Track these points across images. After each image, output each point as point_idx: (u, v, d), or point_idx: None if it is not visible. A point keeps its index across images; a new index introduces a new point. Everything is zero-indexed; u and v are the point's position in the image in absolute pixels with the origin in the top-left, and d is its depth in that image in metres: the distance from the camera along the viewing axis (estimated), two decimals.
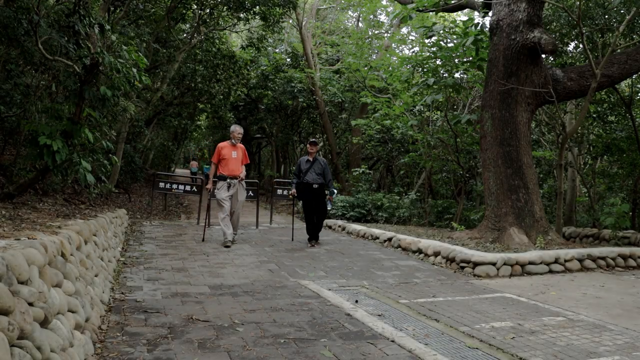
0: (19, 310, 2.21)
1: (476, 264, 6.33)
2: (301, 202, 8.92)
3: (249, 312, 4.24)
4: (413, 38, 19.01)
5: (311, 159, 8.32)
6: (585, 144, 12.40)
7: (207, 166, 35.54)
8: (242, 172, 8.14)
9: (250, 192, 11.93)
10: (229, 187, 7.95)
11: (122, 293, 4.69)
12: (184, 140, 31.29)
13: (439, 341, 3.72)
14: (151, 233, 9.18)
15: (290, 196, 8.41)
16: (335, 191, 8.51)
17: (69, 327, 2.83)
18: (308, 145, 8.50)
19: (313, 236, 8.43)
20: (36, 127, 5.33)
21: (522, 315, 4.46)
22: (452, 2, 10.08)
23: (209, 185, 8.32)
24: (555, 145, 11.97)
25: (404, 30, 20.37)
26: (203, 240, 8.17)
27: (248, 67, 18.81)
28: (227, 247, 7.71)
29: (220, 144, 8.17)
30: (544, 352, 3.49)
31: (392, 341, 3.56)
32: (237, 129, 8.20)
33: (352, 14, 23.59)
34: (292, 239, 8.81)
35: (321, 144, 21.01)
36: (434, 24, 10.77)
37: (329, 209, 8.43)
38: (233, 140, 8.11)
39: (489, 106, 8.15)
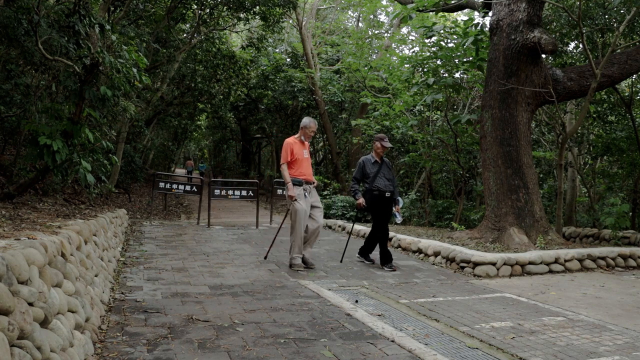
0: (19, 310, 2.21)
1: (476, 264, 6.33)
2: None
3: (249, 312, 4.24)
4: (413, 38, 19.02)
5: (379, 160, 6.78)
6: (585, 144, 12.40)
7: (202, 164, 35.50)
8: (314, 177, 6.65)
9: (250, 192, 11.95)
10: (305, 194, 6.32)
11: (122, 293, 4.69)
12: (184, 140, 31.30)
13: (439, 341, 3.72)
14: (151, 233, 9.18)
15: (360, 207, 6.61)
16: (402, 200, 6.97)
17: (69, 327, 2.83)
18: (377, 143, 6.74)
19: (365, 252, 6.97)
20: (36, 127, 5.33)
21: (522, 315, 4.46)
22: (452, 2, 10.08)
23: (293, 193, 6.19)
24: (555, 145, 11.98)
25: (404, 30, 20.39)
26: (266, 258, 6.76)
27: (248, 67, 18.83)
28: (299, 270, 6.25)
29: (290, 141, 6.47)
30: (544, 352, 3.49)
31: (392, 341, 3.56)
32: (312, 125, 6.52)
33: (352, 14, 23.61)
34: (341, 260, 7.01)
35: (321, 143, 20.99)
36: (434, 24, 10.77)
37: (398, 221, 6.93)
38: (303, 137, 6.52)
39: (489, 106, 8.15)
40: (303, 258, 6.35)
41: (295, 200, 6.19)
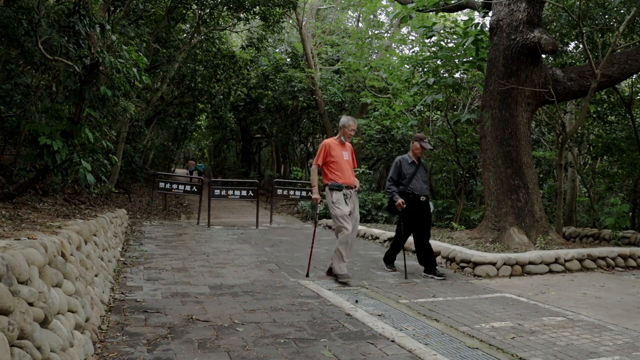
0: (19, 310, 2.21)
1: (476, 264, 6.33)
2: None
3: (249, 312, 4.24)
4: (413, 38, 19.01)
5: (416, 161, 6.35)
6: (585, 144, 12.40)
7: (201, 164, 35.42)
8: (357, 180, 6.07)
9: (250, 192, 11.95)
10: (346, 200, 5.79)
11: (122, 293, 4.69)
12: (184, 140, 31.28)
13: (439, 341, 3.72)
14: (151, 233, 9.18)
15: (400, 207, 6.08)
16: (432, 205, 6.49)
17: (69, 327, 2.83)
18: (417, 143, 6.29)
19: (429, 266, 6.17)
20: (36, 127, 5.33)
21: (522, 315, 4.46)
22: (452, 2, 10.08)
23: (317, 196, 5.91)
24: (555, 145, 11.97)
25: (404, 30, 20.38)
26: (307, 275, 5.93)
27: (248, 67, 18.82)
28: (344, 283, 5.59)
29: (327, 141, 6.00)
30: (544, 352, 3.49)
31: (392, 341, 3.56)
32: (351, 123, 5.96)
33: (352, 14, 23.61)
34: (406, 276, 6.13)
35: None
36: (434, 24, 10.77)
37: None
38: (343, 137, 6.00)
39: (489, 106, 8.15)
40: (333, 270, 5.87)
41: (334, 204, 5.71)
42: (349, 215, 5.76)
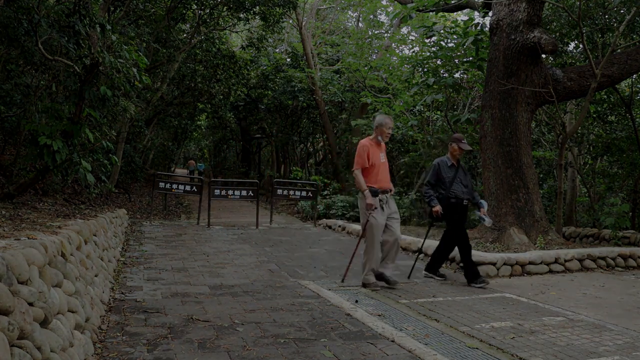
0: (19, 310, 2.21)
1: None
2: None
3: (249, 312, 4.24)
4: (413, 38, 19.01)
5: (455, 163, 5.99)
6: (585, 144, 12.39)
7: (201, 164, 35.48)
8: (391, 183, 5.70)
9: (250, 192, 11.94)
10: (382, 206, 5.43)
11: (122, 293, 4.69)
12: (184, 140, 31.27)
13: (439, 341, 3.72)
14: (151, 233, 9.18)
15: (437, 214, 5.76)
16: (485, 203, 6.07)
17: (69, 327, 2.83)
18: (454, 144, 5.93)
19: (474, 273, 5.72)
20: (36, 127, 5.34)
21: (522, 315, 4.46)
22: (452, 2, 10.08)
23: (371, 201, 5.32)
24: (555, 145, 11.97)
25: (404, 30, 20.38)
26: (343, 281, 5.68)
27: (248, 67, 18.81)
28: (376, 290, 5.34)
29: (365, 143, 5.50)
30: (544, 352, 3.49)
31: (392, 341, 3.56)
32: (388, 122, 5.56)
33: (352, 14, 23.61)
34: (409, 276, 6.08)
35: (321, 143, 20.91)
36: (434, 23, 10.78)
37: (488, 224, 6.01)
38: (380, 138, 5.56)
39: (489, 106, 8.15)
40: (384, 275, 5.51)
41: (371, 213, 5.33)
42: (384, 221, 5.44)
